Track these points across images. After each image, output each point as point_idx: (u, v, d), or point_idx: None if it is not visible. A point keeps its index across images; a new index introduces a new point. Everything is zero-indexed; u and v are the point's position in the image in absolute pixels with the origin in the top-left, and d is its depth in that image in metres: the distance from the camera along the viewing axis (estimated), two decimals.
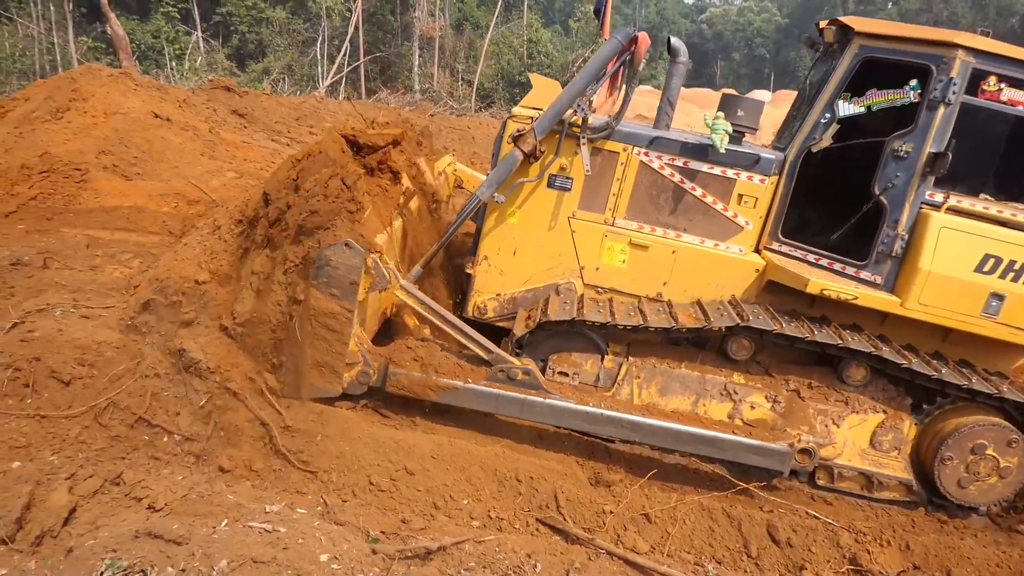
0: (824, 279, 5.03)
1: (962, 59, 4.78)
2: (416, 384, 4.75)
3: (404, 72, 32.14)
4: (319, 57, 30.36)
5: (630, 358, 5.25)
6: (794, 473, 5.33)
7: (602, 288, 5.52)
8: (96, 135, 9.86)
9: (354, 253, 4.35)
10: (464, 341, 4.84)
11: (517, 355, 5.33)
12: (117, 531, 3.50)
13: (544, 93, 5.40)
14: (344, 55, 29.44)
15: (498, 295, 5.58)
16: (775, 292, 5.36)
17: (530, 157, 5.06)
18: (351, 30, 29.39)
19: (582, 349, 5.30)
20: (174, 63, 27.87)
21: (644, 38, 4.98)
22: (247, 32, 31.15)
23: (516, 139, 5.04)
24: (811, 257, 5.37)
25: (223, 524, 3.59)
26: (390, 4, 32.33)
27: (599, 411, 4.80)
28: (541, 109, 5.14)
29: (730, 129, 5.08)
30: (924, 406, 5.23)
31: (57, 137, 9.51)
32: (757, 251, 5.52)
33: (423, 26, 30.94)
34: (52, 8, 27.65)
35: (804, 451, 4.97)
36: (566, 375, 5.29)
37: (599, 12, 5.66)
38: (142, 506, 3.79)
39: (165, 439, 4.32)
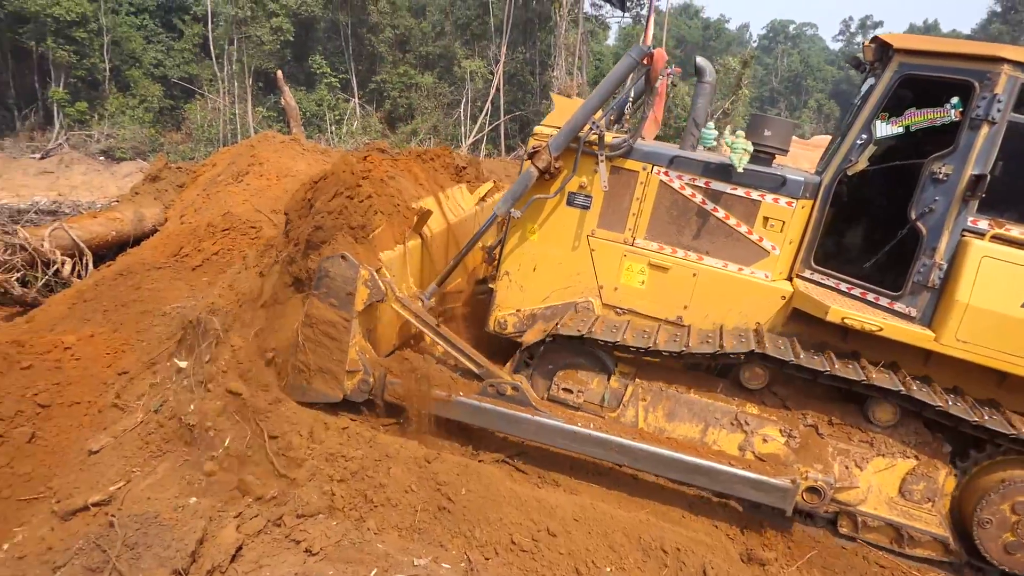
0: (855, 310, 4.70)
1: (1008, 74, 4.41)
2: (410, 394, 4.85)
3: None
4: (463, 117, 32.12)
5: (637, 379, 5.10)
6: (812, 516, 4.92)
7: (621, 309, 5.42)
8: (269, 196, 11.09)
9: (349, 265, 4.58)
10: (456, 355, 4.92)
11: (528, 366, 5.34)
12: (278, 572, 3.78)
13: (566, 112, 5.49)
14: (486, 115, 30.96)
15: (518, 311, 5.62)
16: (804, 322, 5.03)
17: (545, 173, 5.15)
18: (492, 91, 30.93)
19: (589, 367, 5.22)
20: (334, 127, 30.55)
21: (660, 54, 4.99)
22: (398, 97, 33.59)
23: (531, 156, 5.16)
24: (844, 286, 5.02)
25: (372, 574, 3.77)
26: (530, 65, 33.77)
27: (586, 431, 4.67)
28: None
29: (750, 148, 4.93)
30: (965, 457, 4.67)
31: (237, 198, 10.77)
32: (789, 278, 5.24)
33: (561, 85, 31.89)
34: (236, 84, 31.49)
35: (812, 490, 4.58)
36: (570, 392, 5.20)
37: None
38: (300, 549, 4.01)
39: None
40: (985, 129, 4.47)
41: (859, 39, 74.65)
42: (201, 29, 33.34)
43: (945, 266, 4.59)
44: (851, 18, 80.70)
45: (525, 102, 34.03)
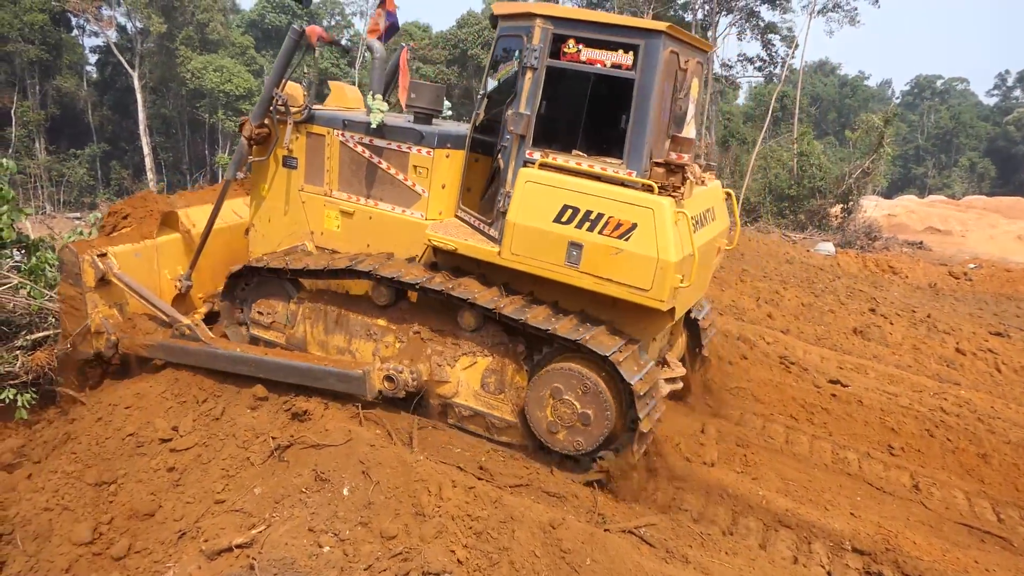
0: (470, 239, 5.59)
1: (541, 26, 5.21)
2: (131, 344, 6.27)
3: None
4: None
5: (307, 302, 6.26)
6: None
7: (327, 250, 6.60)
8: None
9: (72, 252, 6.09)
10: (156, 311, 6.32)
11: (242, 310, 6.67)
12: None
13: (340, 97, 6.92)
14: None
15: (263, 257, 6.95)
16: (445, 254, 5.94)
17: (251, 141, 6.49)
18: None
19: (276, 295, 6.44)
20: None
21: (313, 30, 6.20)
22: None
23: (240, 127, 6.54)
24: (474, 221, 5.90)
25: None
26: None
27: (223, 351, 5.94)
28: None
29: (385, 108, 6.00)
30: (535, 355, 5.40)
31: None
32: (457, 217, 6.15)
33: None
34: None
35: (388, 378, 5.51)
36: (262, 315, 6.44)
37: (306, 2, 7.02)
38: None
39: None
40: (530, 75, 5.27)
41: (1017, 93, 67.49)
42: None
43: (511, 193, 5.39)
44: (1007, 71, 73.01)
45: None
